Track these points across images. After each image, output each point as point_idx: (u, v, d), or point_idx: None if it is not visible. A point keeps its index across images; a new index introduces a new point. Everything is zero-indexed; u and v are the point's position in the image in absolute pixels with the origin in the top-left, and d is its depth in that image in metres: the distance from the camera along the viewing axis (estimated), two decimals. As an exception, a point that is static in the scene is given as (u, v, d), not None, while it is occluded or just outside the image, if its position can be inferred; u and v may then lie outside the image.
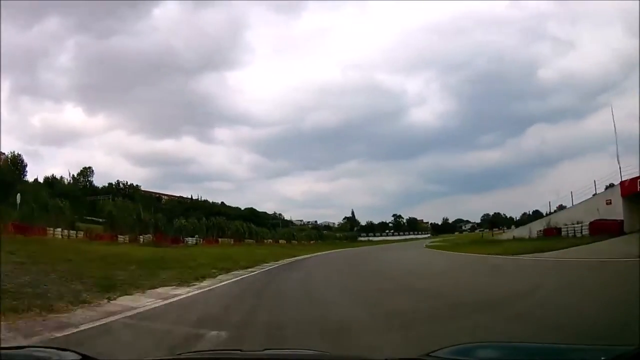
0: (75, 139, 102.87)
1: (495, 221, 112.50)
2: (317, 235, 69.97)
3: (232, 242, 43.26)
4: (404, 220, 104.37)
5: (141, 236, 34.92)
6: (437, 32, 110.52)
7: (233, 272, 13.48)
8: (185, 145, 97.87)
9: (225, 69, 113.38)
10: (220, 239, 45.04)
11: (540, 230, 29.98)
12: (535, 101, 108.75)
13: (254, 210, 71.88)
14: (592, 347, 1.83)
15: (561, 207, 36.27)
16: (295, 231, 64.01)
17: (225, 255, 20.38)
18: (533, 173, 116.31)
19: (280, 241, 56.15)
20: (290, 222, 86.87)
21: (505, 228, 74.02)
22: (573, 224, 25.64)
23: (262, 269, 16.19)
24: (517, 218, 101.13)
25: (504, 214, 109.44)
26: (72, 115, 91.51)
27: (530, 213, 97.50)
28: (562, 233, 25.85)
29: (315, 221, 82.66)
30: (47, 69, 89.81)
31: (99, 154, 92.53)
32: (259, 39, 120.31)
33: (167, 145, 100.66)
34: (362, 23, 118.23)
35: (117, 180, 64.12)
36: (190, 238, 40.27)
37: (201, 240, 41.05)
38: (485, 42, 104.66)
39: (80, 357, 1.70)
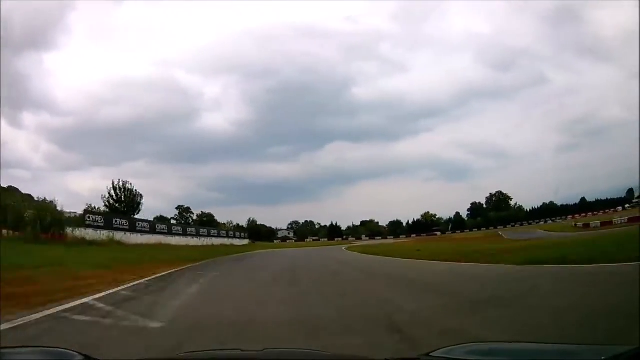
0: None
1: (336, 230, 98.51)
2: None
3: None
4: (194, 216, 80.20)
5: None
6: (251, 37, 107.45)
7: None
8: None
9: (45, 49, 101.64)
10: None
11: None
12: (342, 118, 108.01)
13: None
14: (592, 346, 1.80)
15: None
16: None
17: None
18: (328, 189, 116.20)
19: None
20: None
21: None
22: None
23: None
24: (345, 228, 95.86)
25: (318, 223, 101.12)
26: None
27: (359, 223, 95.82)
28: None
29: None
30: None
31: None
32: (79, 22, 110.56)
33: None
34: (175, 19, 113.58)
35: None
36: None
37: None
38: (301, 52, 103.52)
39: (83, 357, 1.66)
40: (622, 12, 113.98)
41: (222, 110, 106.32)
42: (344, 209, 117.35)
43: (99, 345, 3.84)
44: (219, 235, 44.57)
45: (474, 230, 75.04)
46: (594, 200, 77.30)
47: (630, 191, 74.89)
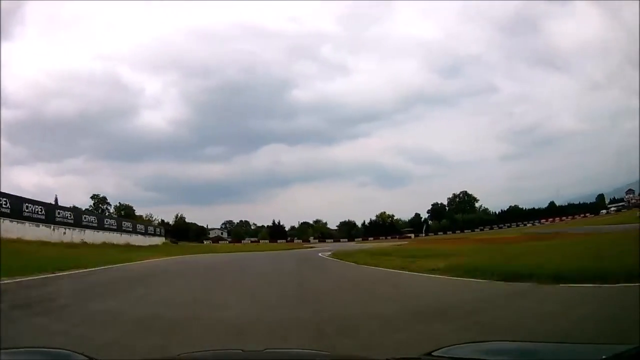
0: None
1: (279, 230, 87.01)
2: None
3: None
4: (111, 208, 69.26)
5: None
6: (193, 34, 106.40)
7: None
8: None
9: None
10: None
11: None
12: (279, 120, 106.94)
13: None
14: (593, 345, 1.82)
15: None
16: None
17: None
18: (263, 191, 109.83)
19: None
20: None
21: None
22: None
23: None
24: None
25: (254, 224, 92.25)
26: None
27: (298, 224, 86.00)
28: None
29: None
30: None
31: None
32: (34, 14, 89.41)
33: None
34: (119, 13, 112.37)
35: None
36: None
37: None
38: (242, 52, 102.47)
39: (83, 358, 1.66)
40: (581, 24, 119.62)
41: (161, 109, 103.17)
42: (280, 211, 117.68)
43: None
44: (100, 227, 26.71)
45: (439, 233, 64.81)
46: (566, 204, 71.97)
47: (601, 196, 71.00)
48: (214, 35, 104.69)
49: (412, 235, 60.30)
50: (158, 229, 47.24)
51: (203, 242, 69.14)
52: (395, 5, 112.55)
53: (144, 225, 43.29)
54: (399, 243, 30.81)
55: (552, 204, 72.70)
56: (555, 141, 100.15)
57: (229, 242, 75.68)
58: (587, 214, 62.94)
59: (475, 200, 75.44)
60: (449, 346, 1.67)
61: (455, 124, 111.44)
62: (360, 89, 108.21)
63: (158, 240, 41.56)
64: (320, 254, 21.92)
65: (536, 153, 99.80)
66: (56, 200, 50.43)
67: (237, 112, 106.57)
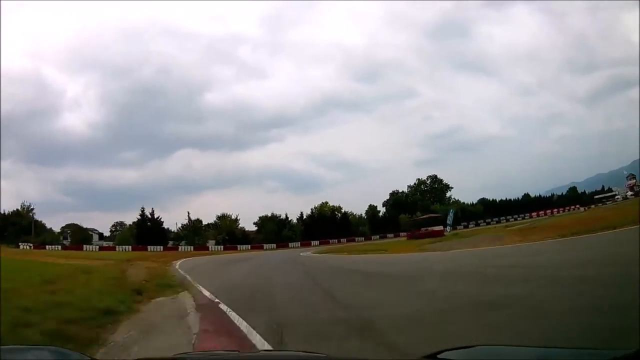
0: None
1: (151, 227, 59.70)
2: None
3: None
4: None
5: None
6: (114, 33, 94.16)
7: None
8: None
9: None
10: None
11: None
12: (191, 124, 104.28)
13: None
14: (592, 350, 1.87)
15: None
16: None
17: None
18: (174, 197, 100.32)
19: None
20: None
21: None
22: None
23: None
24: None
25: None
26: None
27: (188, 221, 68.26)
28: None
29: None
30: None
31: None
32: None
33: None
34: (46, 9, 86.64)
35: None
36: None
37: None
38: (159, 52, 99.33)
39: (79, 356, 1.65)
40: (517, 30, 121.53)
41: (80, 110, 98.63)
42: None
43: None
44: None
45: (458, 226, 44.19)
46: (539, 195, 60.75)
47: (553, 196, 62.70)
48: (134, 34, 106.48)
49: (448, 229, 36.71)
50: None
51: (19, 246, 42.51)
52: (318, 9, 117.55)
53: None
54: None
55: (526, 195, 59.23)
56: (476, 146, 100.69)
57: (63, 247, 46.44)
58: (578, 207, 51.11)
59: (449, 188, 57.02)
60: (450, 349, 1.60)
61: (371, 130, 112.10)
62: (276, 94, 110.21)
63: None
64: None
65: (453, 158, 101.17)
66: None
67: (152, 115, 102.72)
